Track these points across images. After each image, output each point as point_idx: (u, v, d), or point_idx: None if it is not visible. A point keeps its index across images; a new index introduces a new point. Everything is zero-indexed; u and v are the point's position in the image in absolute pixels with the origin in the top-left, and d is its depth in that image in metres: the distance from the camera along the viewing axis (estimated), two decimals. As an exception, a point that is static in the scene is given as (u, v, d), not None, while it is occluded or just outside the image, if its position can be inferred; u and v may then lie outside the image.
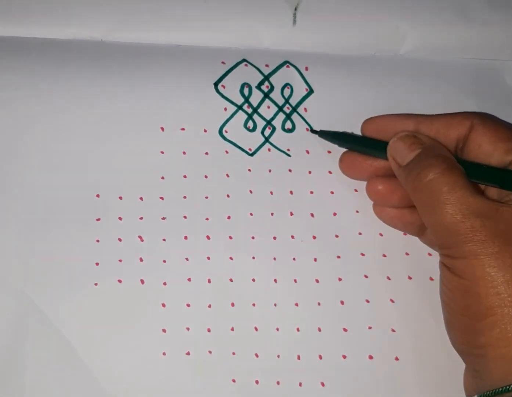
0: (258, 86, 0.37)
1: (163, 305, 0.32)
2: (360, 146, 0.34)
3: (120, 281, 0.33)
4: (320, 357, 0.32)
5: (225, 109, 0.36)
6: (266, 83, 0.37)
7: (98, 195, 0.34)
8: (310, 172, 0.35)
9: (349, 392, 0.32)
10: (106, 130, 0.35)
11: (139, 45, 0.37)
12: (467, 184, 0.28)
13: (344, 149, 0.35)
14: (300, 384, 0.32)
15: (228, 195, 0.35)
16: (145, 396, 0.31)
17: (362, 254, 0.34)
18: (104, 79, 0.36)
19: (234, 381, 0.31)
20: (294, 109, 0.37)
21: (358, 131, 0.35)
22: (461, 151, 0.31)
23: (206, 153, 0.35)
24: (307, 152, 0.36)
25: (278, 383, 0.31)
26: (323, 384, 0.32)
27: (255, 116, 0.36)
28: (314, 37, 0.38)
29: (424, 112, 0.37)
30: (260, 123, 0.36)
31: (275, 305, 0.33)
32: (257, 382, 0.31)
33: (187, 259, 0.33)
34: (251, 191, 0.35)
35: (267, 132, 0.36)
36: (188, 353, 0.32)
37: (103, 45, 0.37)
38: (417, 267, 0.34)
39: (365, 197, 0.35)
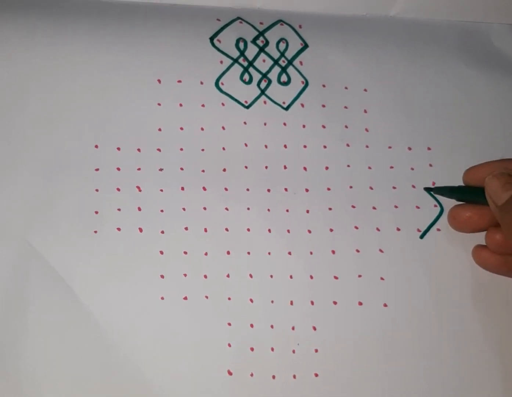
0: (253, 41, 0.38)
1: (161, 252, 0.33)
2: (466, 196, 0.34)
3: (119, 229, 0.33)
4: (312, 303, 0.33)
5: (221, 62, 0.37)
6: (261, 38, 0.38)
7: (96, 146, 0.35)
8: (304, 126, 0.36)
9: (339, 336, 0.33)
10: (104, 83, 0.36)
11: (136, 4, 0.38)
12: None
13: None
14: (293, 328, 0.33)
15: (223, 148, 0.36)
16: (144, 338, 0.32)
17: (353, 206, 0.35)
18: (102, 36, 0.37)
19: (229, 324, 0.32)
20: (290, 62, 0.37)
21: (352, 85, 0.36)
22: None
23: (203, 105, 0.36)
24: (302, 105, 0.37)
25: (272, 326, 0.33)
26: (314, 328, 0.33)
27: (251, 70, 0.37)
28: (307, -3, 0.39)
29: (414, 71, 0.38)
30: (256, 76, 0.37)
31: (269, 253, 0.34)
32: (251, 325, 0.33)
33: (184, 209, 0.34)
34: (246, 145, 0.36)
35: (263, 84, 0.37)
36: (185, 298, 0.33)
37: (101, 3, 0.38)
38: (406, 219, 0.35)
39: (357, 152, 0.36)
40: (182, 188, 0.34)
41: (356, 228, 0.35)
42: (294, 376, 0.32)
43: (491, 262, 0.33)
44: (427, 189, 0.35)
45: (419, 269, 0.34)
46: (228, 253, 0.34)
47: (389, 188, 0.36)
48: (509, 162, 0.32)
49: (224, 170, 0.35)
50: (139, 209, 0.34)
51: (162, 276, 0.33)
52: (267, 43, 0.38)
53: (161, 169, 0.35)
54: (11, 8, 0.37)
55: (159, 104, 0.36)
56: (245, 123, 0.36)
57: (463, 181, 0.35)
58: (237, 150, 0.36)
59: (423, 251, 0.34)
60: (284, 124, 0.36)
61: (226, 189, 0.35)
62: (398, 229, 0.35)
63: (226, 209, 0.34)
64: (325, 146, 0.36)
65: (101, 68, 0.36)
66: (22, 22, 0.37)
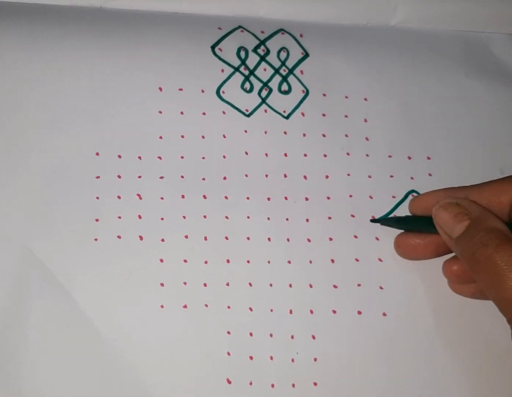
0: (254, 50, 0.38)
1: (161, 260, 0.33)
2: (412, 226, 0.34)
3: (119, 237, 0.33)
4: (311, 312, 0.33)
5: (222, 70, 0.37)
6: (262, 47, 0.38)
7: (97, 154, 0.35)
8: (304, 135, 0.37)
9: (338, 345, 0.33)
10: (105, 90, 0.36)
11: (137, 12, 0.38)
12: None
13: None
14: (292, 337, 0.33)
15: (224, 156, 0.36)
16: (144, 346, 0.32)
17: (352, 215, 0.35)
18: (104, 43, 0.37)
19: (229, 333, 0.32)
20: (291, 71, 0.38)
21: (352, 95, 0.36)
22: None
23: (204, 113, 0.36)
24: (302, 114, 0.37)
25: (271, 335, 0.33)
26: (314, 337, 0.33)
27: (252, 78, 0.37)
28: (308, 7, 0.39)
29: (414, 80, 0.38)
30: (257, 85, 0.37)
31: (268, 262, 0.34)
32: (251, 334, 0.33)
33: (184, 217, 0.34)
34: (246, 153, 0.36)
35: (264, 93, 0.37)
36: (185, 306, 0.33)
37: (102, 12, 0.38)
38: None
39: (357, 161, 0.36)
40: (183, 197, 0.35)
41: (356, 237, 0.35)
42: (293, 385, 0.32)
43: (466, 289, 0.33)
44: (374, 221, 0.35)
45: (418, 278, 0.34)
46: (228, 261, 0.34)
47: (389, 197, 0.36)
48: (455, 191, 0.32)
49: (225, 178, 0.35)
50: (140, 217, 0.34)
51: (162, 284, 0.33)
52: (268, 52, 0.38)
53: (161, 177, 0.35)
54: (14, 15, 0.37)
55: (160, 112, 0.36)
56: (245, 131, 0.36)
57: (410, 211, 0.34)
58: (238, 158, 0.36)
59: (421, 260, 0.34)
60: (285, 133, 0.37)
61: (226, 197, 0.35)
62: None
63: (226, 217, 0.34)
64: (325, 155, 0.36)
65: (102, 75, 0.36)
66: (25, 29, 0.37)
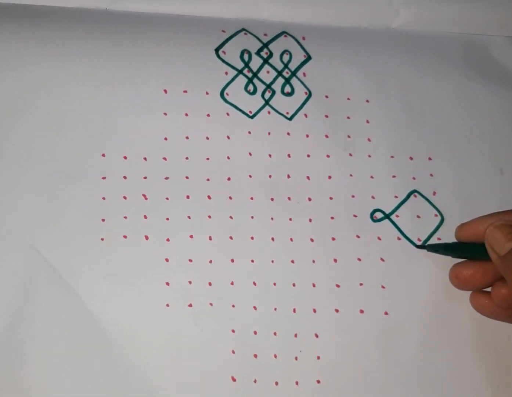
0: (258, 53, 0.38)
1: (167, 260, 0.34)
2: (462, 252, 0.34)
3: (125, 237, 0.34)
4: (314, 311, 0.34)
5: (226, 73, 0.37)
6: (265, 50, 0.38)
7: (103, 155, 0.35)
8: (307, 136, 0.37)
9: (341, 343, 0.33)
10: (111, 92, 0.36)
11: (142, 14, 0.38)
12: None
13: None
14: (296, 335, 0.33)
15: (228, 157, 0.36)
16: (150, 345, 0.32)
17: (355, 215, 0.36)
18: (109, 45, 0.37)
19: (233, 331, 0.33)
20: (293, 73, 0.38)
21: (354, 96, 0.37)
22: None
23: (208, 115, 0.37)
24: (305, 116, 0.37)
25: (275, 334, 0.33)
26: (317, 336, 0.33)
27: (255, 80, 0.38)
28: (310, 10, 0.40)
29: (415, 82, 0.39)
30: (260, 87, 0.38)
31: (272, 261, 0.34)
32: (255, 332, 0.33)
33: (189, 217, 0.35)
34: (250, 154, 0.36)
35: (267, 95, 0.37)
36: (190, 305, 0.33)
37: (108, 14, 0.38)
38: (406, 228, 0.36)
39: (359, 161, 0.37)
40: (188, 197, 0.35)
41: (358, 237, 0.35)
42: (297, 383, 0.32)
43: (489, 309, 0.33)
44: (419, 247, 0.35)
45: (419, 278, 0.35)
46: (232, 260, 0.34)
47: (391, 197, 0.36)
48: (504, 215, 0.32)
49: (229, 179, 0.36)
50: (145, 217, 0.34)
51: (167, 283, 0.33)
52: (271, 54, 0.38)
53: (166, 178, 0.35)
54: (20, 18, 0.38)
55: (165, 114, 0.36)
56: (249, 133, 0.37)
57: (456, 238, 0.34)
58: (242, 159, 0.36)
59: (423, 259, 0.35)
60: (288, 134, 0.37)
61: (230, 198, 0.35)
62: (399, 238, 0.35)
63: (231, 217, 0.35)
64: (328, 156, 0.37)
65: (108, 78, 0.36)
66: (30, 31, 0.37)
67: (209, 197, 0.35)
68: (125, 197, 0.35)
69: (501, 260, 0.30)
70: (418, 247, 0.35)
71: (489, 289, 0.33)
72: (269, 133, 0.37)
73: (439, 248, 0.34)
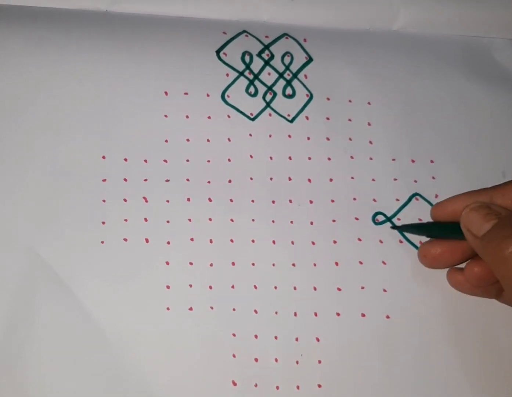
0: (259, 54, 0.38)
1: (167, 263, 0.33)
2: (436, 232, 0.34)
3: (125, 240, 0.34)
4: (316, 314, 0.33)
5: (227, 75, 0.37)
6: (266, 51, 0.38)
7: (104, 157, 0.35)
8: (308, 138, 0.37)
9: (342, 347, 0.33)
10: (111, 94, 0.36)
11: (142, 16, 0.38)
12: None
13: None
14: (297, 339, 0.33)
15: (229, 159, 0.36)
16: (150, 349, 0.32)
17: (356, 218, 0.36)
18: (109, 47, 0.37)
19: (234, 335, 0.33)
20: (295, 75, 0.38)
21: (356, 99, 0.37)
22: None
23: (209, 117, 0.36)
24: (307, 118, 0.37)
25: (276, 337, 0.33)
26: (318, 339, 0.33)
27: (256, 82, 0.38)
28: (311, 12, 0.40)
29: (416, 84, 0.39)
30: (261, 89, 0.37)
31: (273, 264, 0.34)
32: (256, 336, 0.33)
33: (189, 220, 0.34)
34: (251, 156, 0.36)
35: (268, 97, 0.37)
36: (190, 309, 0.33)
37: (108, 16, 0.38)
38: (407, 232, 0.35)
39: (361, 164, 0.37)
40: (188, 199, 0.35)
41: (359, 239, 0.35)
42: (298, 387, 0.32)
43: (465, 286, 0.33)
44: (394, 228, 0.35)
45: (421, 281, 0.34)
46: (233, 263, 0.34)
47: (393, 200, 0.36)
48: (478, 194, 0.32)
49: (230, 181, 0.36)
50: (146, 220, 0.34)
51: (167, 287, 0.33)
52: (272, 56, 0.38)
53: (167, 180, 0.35)
54: (20, 20, 0.37)
55: (165, 116, 0.36)
56: (250, 135, 0.37)
57: (432, 217, 0.34)
58: (243, 161, 0.36)
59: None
60: (289, 136, 0.37)
61: (231, 200, 0.35)
62: (401, 241, 0.35)
63: (231, 220, 0.35)
64: (329, 158, 0.37)
65: (108, 79, 0.36)
66: (30, 33, 0.37)
67: (209, 200, 0.35)
68: (125, 200, 0.34)
69: (479, 241, 0.30)
70: (393, 227, 0.35)
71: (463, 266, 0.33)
72: (270, 136, 0.37)
73: (413, 228, 0.34)
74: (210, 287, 0.33)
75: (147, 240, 0.34)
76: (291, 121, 0.37)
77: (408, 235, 0.35)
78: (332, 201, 0.36)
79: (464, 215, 0.31)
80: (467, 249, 0.32)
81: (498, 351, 0.33)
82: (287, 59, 0.38)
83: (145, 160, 0.35)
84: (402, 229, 0.34)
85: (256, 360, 0.32)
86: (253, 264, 0.34)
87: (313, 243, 0.35)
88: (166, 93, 0.37)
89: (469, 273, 0.32)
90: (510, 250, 0.28)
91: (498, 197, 0.31)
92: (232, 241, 0.34)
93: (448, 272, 0.34)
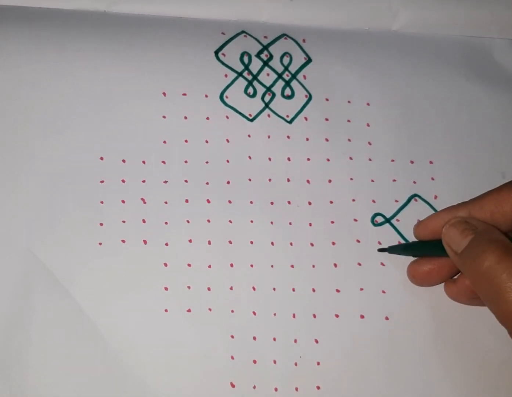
0: (258, 55, 0.38)
1: (165, 265, 0.33)
2: (421, 251, 0.34)
3: (123, 241, 0.33)
4: (314, 316, 0.33)
5: (226, 75, 0.37)
6: (265, 52, 0.38)
7: (102, 158, 0.35)
8: (307, 139, 0.37)
9: (341, 349, 0.33)
10: (109, 95, 0.36)
11: (141, 16, 0.38)
12: None
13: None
14: (295, 341, 0.33)
15: (227, 161, 0.36)
16: (148, 350, 0.32)
17: (355, 220, 0.35)
18: (108, 47, 0.37)
19: (232, 337, 0.33)
20: (294, 76, 0.38)
21: (355, 99, 0.37)
22: None
23: (207, 118, 0.36)
24: (305, 119, 0.37)
25: (274, 339, 0.33)
26: (316, 341, 0.33)
27: (255, 83, 0.37)
28: (310, 12, 0.40)
29: (415, 85, 0.39)
30: (260, 90, 0.37)
31: (272, 266, 0.34)
32: (254, 338, 0.33)
33: (188, 221, 0.34)
34: (250, 157, 0.36)
35: (267, 98, 0.37)
36: (189, 310, 0.33)
37: (106, 16, 0.38)
38: (407, 233, 0.35)
39: (360, 165, 0.36)
40: (187, 201, 0.35)
41: (358, 241, 0.35)
42: (296, 389, 0.32)
43: (461, 297, 0.33)
44: (381, 250, 0.34)
45: None
46: (232, 265, 0.34)
47: (392, 201, 0.36)
48: (457, 209, 0.32)
49: (228, 183, 0.35)
50: (144, 221, 0.34)
51: (166, 288, 0.33)
52: (271, 57, 0.38)
53: (165, 182, 0.35)
54: (18, 20, 0.37)
55: (164, 117, 0.36)
56: (249, 136, 0.36)
57: (415, 237, 0.34)
58: (241, 163, 0.36)
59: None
60: (288, 137, 0.37)
61: (229, 202, 0.35)
62: (400, 243, 0.35)
63: (230, 221, 0.35)
64: (328, 160, 0.37)
65: (106, 80, 0.36)
66: (29, 33, 0.37)
67: (208, 201, 0.35)
68: (123, 201, 0.34)
69: (458, 257, 0.30)
70: (380, 250, 0.35)
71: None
72: (269, 137, 0.37)
73: (400, 249, 0.34)
74: (209, 289, 0.33)
75: (145, 242, 0.34)
76: (290, 122, 0.37)
77: (407, 235, 0.35)
78: (331, 202, 0.36)
79: (444, 231, 0.31)
80: (454, 266, 0.32)
81: (496, 355, 0.33)
82: (286, 60, 0.38)
83: (143, 162, 0.35)
84: (389, 251, 0.34)
85: (254, 361, 0.32)
86: (251, 266, 0.34)
87: (312, 244, 0.35)
88: (164, 94, 0.36)
89: (461, 285, 0.33)
90: (485, 266, 0.28)
91: (476, 210, 0.31)
92: (230, 242, 0.34)
93: (444, 284, 0.34)
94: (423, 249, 0.34)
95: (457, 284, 0.33)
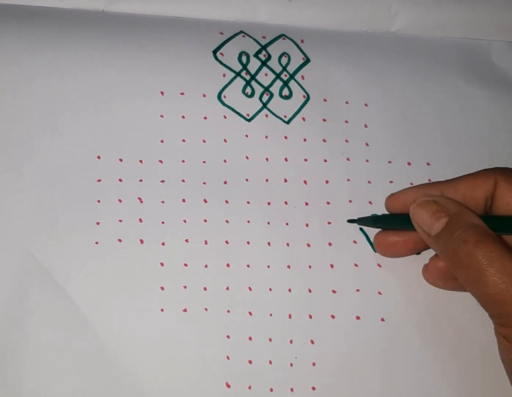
0: (256, 55, 0.38)
1: (162, 264, 0.33)
2: (390, 225, 0.34)
3: (120, 240, 0.33)
4: (310, 317, 0.33)
5: (224, 75, 0.37)
6: (264, 52, 0.38)
7: (99, 157, 0.35)
8: (305, 140, 0.37)
9: (337, 350, 0.33)
10: (107, 94, 0.36)
11: (139, 16, 0.38)
12: (503, 251, 0.27)
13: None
14: (291, 341, 0.33)
15: (225, 160, 0.36)
16: (144, 350, 0.32)
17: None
18: (106, 47, 0.37)
19: (228, 337, 0.33)
20: (292, 76, 0.38)
21: (353, 100, 0.37)
22: (490, 209, 0.31)
23: (205, 118, 0.36)
24: (303, 119, 0.37)
25: (270, 340, 0.33)
26: (312, 342, 0.33)
27: (253, 83, 0.37)
28: (309, 13, 0.40)
29: (414, 87, 0.39)
30: (258, 90, 0.37)
31: (268, 266, 0.34)
32: (250, 338, 0.33)
33: (184, 221, 0.34)
34: (247, 157, 0.36)
35: (265, 98, 0.37)
36: (185, 310, 0.33)
37: (105, 15, 0.38)
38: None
39: (357, 166, 0.36)
40: (183, 200, 0.35)
41: (355, 242, 0.35)
42: (292, 389, 0.32)
43: (438, 281, 0.33)
44: (351, 221, 0.35)
45: (416, 284, 0.34)
46: (228, 265, 0.34)
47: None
48: (431, 187, 0.32)
49: (225, 182, 0.35)
50: (140, 220, 0.34)
51: (162, 288, 0.33)
52: (269, 57, 0.38)
53: (162, 181, 0.35)
54: (16, 19, 0.37)
55: (161, 116, 0.36)
56: (246, 136, 0.36)
57: (386, 209, 0.34)
58: (238, 163, 0.36)
59: (420, 265, 0.35)
60: (285, 137, 0.37)
61: (226, 201, 0.35)
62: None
63: (227, 221, 0.35)
64: (325, 160, 0.37)
65: (104, 79, 0.36)
66: (27, 32, 0.37)
67: (205, 201, 0.35)
68: (120, 201, 0.34)
69: (433, 240, 0.30)
70: (349, 221, 0.35)
71: None
72: (266, 137, 0.37)
73: (369, 221, 0.34)
74: (205, 289, 0.33)
75: (141, 241, 0.34)
76: (288, 122, 0.37)
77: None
78: (328, 203, 0.36)
79: (412, 210, 0.31)
80: (419, 240, 0.32)
81: (496, 354, 0.33)
82: (284, 60, 0.38)
83: (141, 161, 0.35)
84: (358, 222, 0.34)
85: (250, 362, 0.32)
86: (248, 266, 0.34)
87: (308, 245, 0.35)
88: (162, 93, 0.36)
89: (433, 268, 0.33)
90: (465, 251, 0.28)
91: (450, 191, 0.31)
92: (227, 242, 0.34)
93: (422, 269, 0.34)
94: (392, 222, 0.34)
95: (429, 267, 0.33)
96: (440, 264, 0.33)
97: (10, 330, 0.31)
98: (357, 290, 0.34)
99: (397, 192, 0.34)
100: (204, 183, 0.35)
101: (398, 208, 0.33)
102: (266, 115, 0.37)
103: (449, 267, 0.30)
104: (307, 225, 0.35)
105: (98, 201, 0.34)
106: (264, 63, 0.38)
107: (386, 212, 0.35)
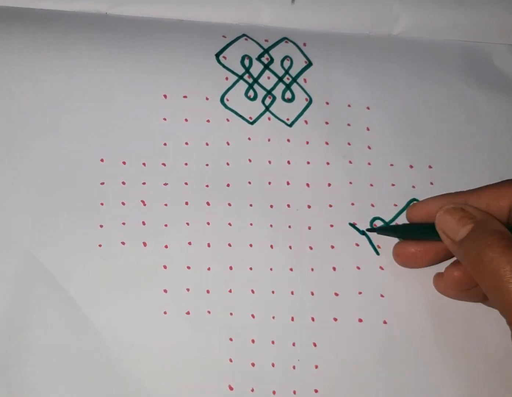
0: (258, 58, 0.38)
1: (165, 267, 0.33)
2: (411, 234, 0.34)
3: (123, 243, 0.34)
4: (313, 319, 0.33)
5: (226, 78, 0.37)
6: (266, 55, 0.38)
7: (102, 160, 0.35)
8: (307, 142, 0.37)
9: (339, 352, 0.33)
10: (110, 97, 0.36)
11: (143, 19, 0.38)
12: None
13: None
14: (294, 344, 0.33)
15: (228, 163, 0.36)
16: (147, 353, 0.32)
17: (354, 223, 0.36)
18: (109, 50, 0.37)
19: (231, 339, 0.33)
20: (294, 79, 0.38)
21: (355, 103, 0.37)
22: None
23: (208, 121, 0.36)
24: (306, 122, 0.37)
25: (272, 342, 0.33)
26: (315, 344, 0.33)
27: (256, 86, 0.38)
28: (312, 16, 0.40)
29: (415, 89, 0.39)
30: (261, 93, 0.37)
31: (271, 269, 0.34)
32: (253, 341, 0.33)
33: (187, 224, 0.34)
34: (250, 160, 0.36)
35: (268, 101, 0.37)
36: (188, 313, 0.33)
37: (108, 18, 0.38)
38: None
39: (359, 169, 0.37)
40: (186, 203, 0.35)
41: (357, 245, 0.35)
42: (294, 392, 0.32)
43: (450, 291, 0.33)
44: (369, 230, 0.35)
45: (418, 287, 0.34)
46: (231, 268, 0.34)
47: (391, 205, 0.36)
48: (454, 197, 0.32)
49: (228, 185, 0.35)
50: (144, 223, 0.34)
51: (165, 291, 0.33)
52: (271, 60, 0.38)
53: (165, 184, 0.35)
54: (19, 22, 0.37)
55: (164, 119, 0.36)
56: (249, 139, 0.37)
57: (407, 219, 0.34)
58: (241, 165, 0.36)
59: (422, 268, 0.35)
60: (288, 140, 0.37)
61: (229, 204, 0.35)
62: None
63: (229, 224, 0.35)
64: (328, 163, 0.37)
65: (107, 83, 0.36)
66: (30, 35, 0.37)
67: (208, 203, 0.35)
68: (123, 203, 0.34)
69: (457, 246, 0.30)
70: (368, 230, 0.35)
71: None
72: (269, 140, 0.37)
73: (389, 230, 0.34)
74: (208, 291, 0.33)
75: (144, 244, 0.34)
76: (290, 125, 0.37)
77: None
78: (330, 205, 0.36)
79: (439, 216, 0.31)
80: (440, 251, 0.32)
81: (496, 355, 0.33)
82: (286, 63, 0.38)
83: (144, 164, 0.35)
84: (378, 231, 0.34)
85: (253, 364, 0.32)
86: (250, 268, 0.34)
87: (311, 248, 0.35)
88: (165, 96, 0.37)
89: (449, 277, 0.33)
90: (489, 256, 0.28)
91: (473, 200, 0.31)
92: (230, 245, 0.34)
93: (433, 278, 0.34)
94: (413, 231, 0.34)
95: (444, 276, 0.33)
96: (456, 273, 0.32)
97: (13, 332, 0.31)
98: (360, 293, 0.34)
99: (420, 202, 0.34)
100: (207, 186, 0.35)
101: (423, 217, 0.33)
102: (269, 118, 0.37)
103: (470, 272, 0.30)
104: (309, 228, 0.35)
105: (102, 204, 0.34)
106: (266, 67, 0.38)
107: (388, 214, 0.35)
